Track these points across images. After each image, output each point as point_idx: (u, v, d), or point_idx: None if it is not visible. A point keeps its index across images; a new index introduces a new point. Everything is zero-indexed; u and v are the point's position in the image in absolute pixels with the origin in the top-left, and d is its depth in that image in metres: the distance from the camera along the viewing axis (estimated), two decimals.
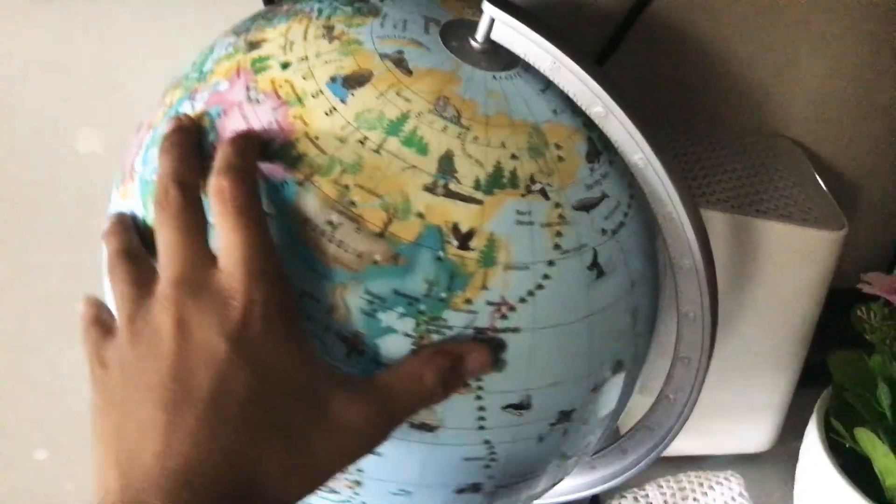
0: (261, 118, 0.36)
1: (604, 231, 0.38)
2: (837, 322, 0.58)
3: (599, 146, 0.40)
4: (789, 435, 0.65)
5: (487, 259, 0.35)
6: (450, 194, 0.35)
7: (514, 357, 0.36)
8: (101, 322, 0.36)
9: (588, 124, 0.40)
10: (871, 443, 0.51)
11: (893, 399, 0.53)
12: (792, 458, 0.60)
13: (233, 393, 0.31)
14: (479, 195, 0.36)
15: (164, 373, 0.32)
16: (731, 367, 0.58)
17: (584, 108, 0.39)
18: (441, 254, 0.35)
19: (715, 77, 0.63)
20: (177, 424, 0.31)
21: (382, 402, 0.34)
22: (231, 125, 0.37)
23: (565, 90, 0.39)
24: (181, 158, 0.36)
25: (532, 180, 0.37)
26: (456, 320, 0.35)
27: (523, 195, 0.36)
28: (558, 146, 0.38)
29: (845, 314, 0.57)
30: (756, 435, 0.66)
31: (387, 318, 0.35)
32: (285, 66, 0.37)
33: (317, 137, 0.35)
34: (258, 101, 0.37)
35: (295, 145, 0.35)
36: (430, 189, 0.35)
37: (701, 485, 0.64)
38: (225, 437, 0.31)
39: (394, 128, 0.36)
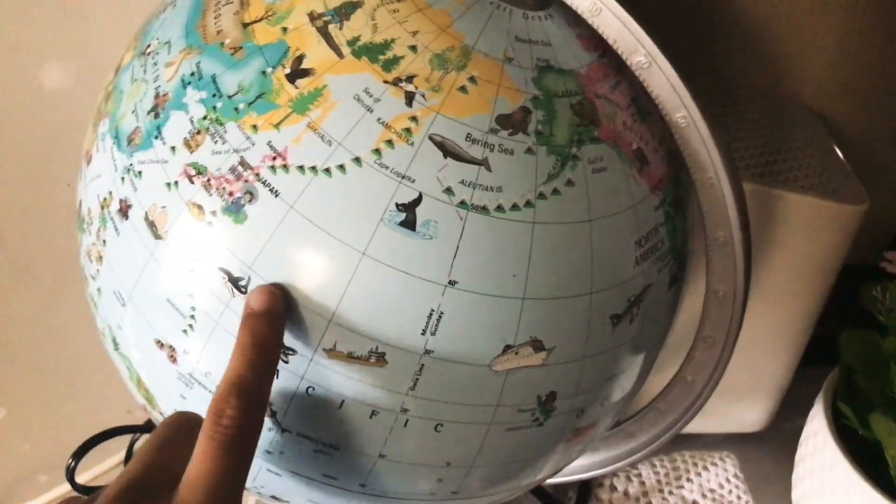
0: None
1: (450, 191, 0.32)
2: (843, 299, 0.56)
3: (531, 130, 0.34)
4: (787, 413, 0.62)
5: (301, 105, 0.33)
6: (322, 30, 0.34)
7: None
8: None
9: (545, 105, 0.34)
10: (886, 430, 0.48)
11: None
12: (790, 437, 0.58)
13: None
14: (345, 49, 0.33)
15: None
16: None
17: (624, 56, 0.34)
18: (269, 70, 0.33)
19: (730, 33, 0.59)
20: None
21: None
22: None
23: (604, 35, 0.34)
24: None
25: (408, 79, 0.33)
26: (232, 138, 0.33)
27: (386, 81, 0.33)
28: (473, 79, 0.33)
29: (851, 291, 0.54)
30: (753, 414, 0.63)
31: (191, 94, 0.34)
32: None
33: None
34: None
35: None
36: (312, 17, 0.34)
37: (695, 464, 0.62)
38: None
39: None
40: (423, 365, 0.33)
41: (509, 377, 0.34)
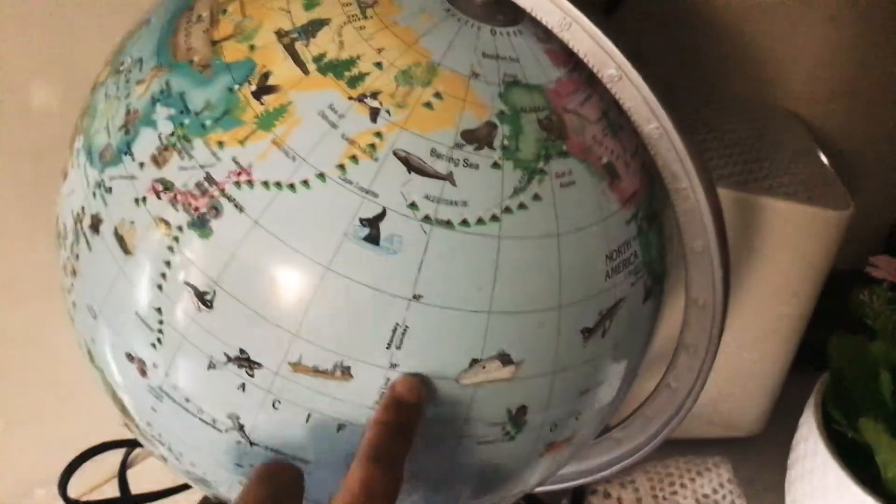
0: None
1: (414, 206, 0.32)
2: (831, 304, 0.56)
3: (497, 145, 0.33)
4: (779, 418, 0.62)
5: (266, 121, 0.33)
6: (289, 48, 0.34)
7: None
8: None
9: (511, 120, 0.34)
10: (875, 433, 0.48)
11: (895, 388, 0.51)
12: (782, 441, 0.58)
13: None
14: (311, 66, 0.33)
15: None
16: (723, 348, 0.56)
17: (595, 69, 0.34)
18: (235, 87, 0.33)
19: (714, 41, 0.59)
20: None
21: None
22: None
23: (575, 49, 0.34)
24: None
25: (373, 95, 0.33)
26: (199, 154, 0.33)
27: (350, 97, 0.33)
28: (438, 95, 0.33)
29: (840, 296, 0.54)
30: (745, 419, 0.63)
31: (160, 111, 0.34)
32: None
33: None
34: None
35: None
36: (279, 34, 0.34)
37: (689, 471, 0.62)
38: None
39: None
40: (388, 379, 0.33)
41: (478, 391, 0.34)
